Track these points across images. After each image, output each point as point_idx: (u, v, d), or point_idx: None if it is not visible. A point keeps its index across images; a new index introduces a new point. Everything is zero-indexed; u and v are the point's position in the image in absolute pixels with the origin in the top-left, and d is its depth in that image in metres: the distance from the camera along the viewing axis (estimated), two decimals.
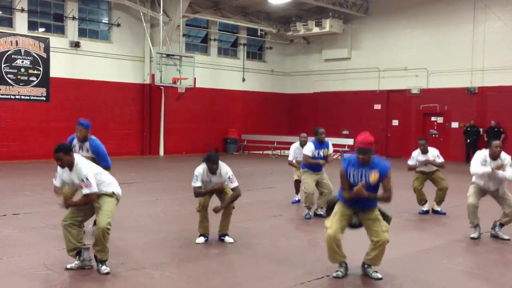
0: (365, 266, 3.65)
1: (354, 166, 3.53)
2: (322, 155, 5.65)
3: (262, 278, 3.62)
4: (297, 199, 6.79)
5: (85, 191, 3.56)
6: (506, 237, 4.84)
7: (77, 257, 3.70)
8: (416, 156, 6.11)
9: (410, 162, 6.15)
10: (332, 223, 3.57)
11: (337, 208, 3.62)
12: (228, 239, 4.57)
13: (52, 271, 3.66)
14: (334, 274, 3.60)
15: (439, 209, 6.20)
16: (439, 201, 6.19)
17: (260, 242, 4.63)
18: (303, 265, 3.91)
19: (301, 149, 6.18)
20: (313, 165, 5.65)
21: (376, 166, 3.50)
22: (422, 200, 6.20)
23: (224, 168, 4.42)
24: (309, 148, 5.65)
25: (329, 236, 3.53)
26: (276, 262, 4.00)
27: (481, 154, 4.79)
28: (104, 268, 3.63)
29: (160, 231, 5.02)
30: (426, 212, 6.17)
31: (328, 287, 3.47)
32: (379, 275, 3.59)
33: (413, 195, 6.33)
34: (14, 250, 4.21)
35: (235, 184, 4.42)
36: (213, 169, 4.36)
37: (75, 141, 4.80)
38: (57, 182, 3.77)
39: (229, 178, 4.40)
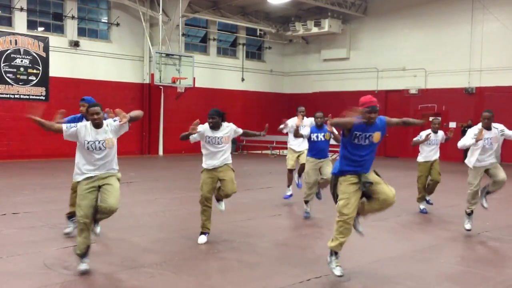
0: (357, 215, 3.58)
1: (359, 129, 3.43)
2: (322, 139, 5.58)
3: (261, 277, 3.63)
4: (289, 193, 6.72)
5: (127, 116, 3.64)
6: (486, 205, 4.97)
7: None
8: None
9: (419, 138, 6.02)
10: (348, 208, 3.40)
11: (344, 187, 3.45)
12: (221, 204, 4.59)
13: (51, 270, 3.66)
14: (338, 273, 3.47)
15: (427, 198, 6.22)
16: (429, 192, 6.18)
17: (259, 241, 4.64)
18: (302, 264, 3.92)
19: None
20: (313, 149, 5.61)
21: (377, 125, 3.51)
22: (423, 198, 6.16)
23: (228, 125, 4.47)
24: (306, 130, 5.66)
25: (348, 220, 3.39)
26: (275, 261, 4.01)
27: (474, 128, 4.88)
28: (96, 227, 3.70)
29: (159, 231, 5.01)
30: (424, 212, 6.14)
31: (327, 286, 3.48)
32: (362, 230, 3.64)
33: (412, 194, 6.34)
34: (14, 249, 4.20)
35: (240, 130, 4.53)
36: (212, 124, 4.36)
37: (84, 120, 4.42)
38: (65, 125, 3.55)
39: (235, 130, 4.47)
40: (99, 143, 3.60)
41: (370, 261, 4.00)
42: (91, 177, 3.61)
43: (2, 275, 3.57)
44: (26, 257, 3.99)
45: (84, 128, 3.61)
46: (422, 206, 6.17)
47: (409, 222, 5.76)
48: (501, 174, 4.86)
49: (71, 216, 4.55)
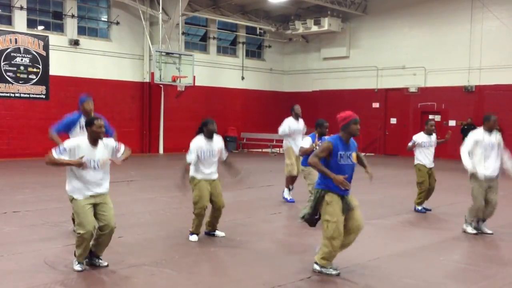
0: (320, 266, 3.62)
1: (342, 148, 3.49)
2: None
3: (261, 275, 3.63)
4: (289, 197, 6.47)
5: (123, 148, 3.63)
6: (489, 231, 4.92)
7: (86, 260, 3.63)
8: (418, 139, 5.90)
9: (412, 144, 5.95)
10: (336, 212, 3.43)
11: (332, 209, 3.46)
12: (219, 233, 4.60)
13: (52, 268, 3.66)
14: (336, 273, 3.53)
15: (424, 205, 6.14)
16: (427, 199, 6.14)
17: (259, 240, 4.64)
18: (302, 262, 3.92)
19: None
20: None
21: (353, 146, 3.59)
22: (422, 202, 6.07)
23: (218, 138, 4.49)
24: (308, 141, 5.39)
25: (339, 222, 3.41)
26: (275, 259, 4.02)
27: (476, 134, 4.78)
28: (103, 261, 3.68)
29: (160, 229, 5.01)
30: (423, 211, 6.10)
31: (327, 283, 3.49)
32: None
33: (411, 193, 6.31)
34: (15, 247, 4.20)
35: (225, 154, 4.54)
36: (214, 129, 4.37)
37: (82, 120, 4.36)
38: (56, 154, 3.40)
39: (223, 149, 4.49)
40: (94, 162, 3.49)
41: (370, 258, 4.01)
42: (89, 196, 3.51)
43: (3, 273, 3.58)
44: (27, 255, 3.99)
45: (81, 143, 3.47)
46: (419, 207, 6.07)
47: (409, 220, 5.76)
48: (495, 197, 4.79)
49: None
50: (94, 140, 3.52)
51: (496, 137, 4.86)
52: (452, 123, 14.33)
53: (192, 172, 4.48)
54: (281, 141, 15.23)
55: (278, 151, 15.43)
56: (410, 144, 6.02)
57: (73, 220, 4.58)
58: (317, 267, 3.61)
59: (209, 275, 3.69)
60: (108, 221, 3.56)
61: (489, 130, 4.83)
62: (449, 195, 7.10)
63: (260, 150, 16.14)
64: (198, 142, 4.40)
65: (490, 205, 4.87)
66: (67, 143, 3.50)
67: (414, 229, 5.37)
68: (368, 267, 3.81)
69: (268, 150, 15.78)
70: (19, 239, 4.48)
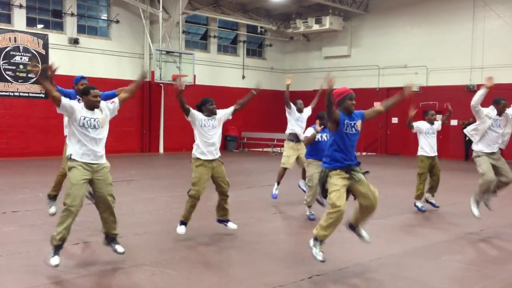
0: (355, 227, 3.76)
1: (346, 118, 3.61)
2: (326, 139, 5.36)
3: (262, 275, 3.61)
4: (277, 192, 6.44)
5: (116, 100, 3.72)
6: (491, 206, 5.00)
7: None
8: (421, 126, 5.96)
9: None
10: (341, 200, 3.49)
11: (335, 180, 3.55)
12: (231, 225, 4.59)
13: (52, 269, 3.61)
14: (321, 258, 3.53)
15: (433, 201, 6.11)
16: (433, 192, 6.08)
17: (260, 239, 4.62)
18: (303, 261, 3.89)
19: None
20: (317, 149, 5.42)
21: (357, 116, 3.69)
22: (421, 195, 6.06)
23: (219, 111, 4.51)
24: (310, 130, 5.45)
25: (342, 212, 3.47)
26: (276, 259, 3.99)
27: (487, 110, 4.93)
28: (119, 247, 3.72)
29: (160, 228, 4.98)
30: (423, 210, 6.00)
31: (329, 283, 3.47)
32: (367, 237, 3.76)
33: (412, 193, 6.24)
34: (14, 247, 4.18)
35: (230, 108, 4.55)
36: (213, 108, 4.40)
37: (78, 97, 4.43)
38: (64, 99, 3.47)
39: (225, 113, 4.51)
40: (94, 120, 3.56)
41: (371, 258, 3.99)
42: (87, 164, 3.52)
43: (2, 273, 3.55)
44: (27, 255, 3.97)
45: (79, 108, 3.57)
46: (420, 204, 6.02)
47: (411, 220, 5.73)
48: (506, 166, 4.86)
49: (53, 196, 4.70)
50: (90, 108, 3.60)
51: (506, 115, 4.95)
52: (453, 122, 14.27)
53: (194, 151, 4.46)
54: (282, 140, 15.26)
55: (279, 151, 15.39)
56: (412, 124, 6.01)
57: (53, 195, 4.72)
58: (311, 242, 3.62)
59: (209, 275, 3.65)
60: (104, 191, 3.60)
61: (499, 113, 4.94)
62: (451, 195, 7.06)
63: (261, 149, 16.08)
64: (198, 112, 4.44)
65: (503, 172, 4.88)
66: (75, 103, 3.58)
67: (415, 229, 5.34)
68: (369, 267, 3.79)
69: (269, 149, 15.73)
70: (19, 239, 4.46)
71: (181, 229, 4.45)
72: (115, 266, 3.69)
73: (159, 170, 10.51)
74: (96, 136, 3.57)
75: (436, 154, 6.05)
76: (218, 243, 4.43)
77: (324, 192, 3.68)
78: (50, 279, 3.42)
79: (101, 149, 3.62)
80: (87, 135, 3.53)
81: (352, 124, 3.63)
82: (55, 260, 3.50)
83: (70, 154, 3.56)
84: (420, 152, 6.04)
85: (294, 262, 3.90)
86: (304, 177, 6.47)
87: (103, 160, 3.66)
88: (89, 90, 3.56)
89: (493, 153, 4.98)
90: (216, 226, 4.71)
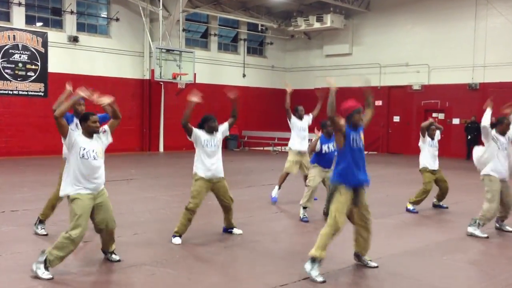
0: (360, 256, 3.73)
1: (352, 132, 3.59)
2: (333, 149, 5.25)
3: (263, 275, 3.58)
4: (275, 196, 6.39)
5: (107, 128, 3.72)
6: (510, 229, 4.89)
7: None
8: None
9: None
10: (342, 218, 3.48)
11: (342, 197, 3.51)
12: (236, 230, 4.62)
13: (51, 268, 3.55)
14: (321, 279, 3.43)
15: (442, 204, 6.22)
16: (441, 198, 6.19)
17: (261, 239, 4.59)
18: (304, 261, 3.82)
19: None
20: (323, 160, 5.36)
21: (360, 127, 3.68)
22: (420, 202, 6.04)
23: (220, 127, 4.49)
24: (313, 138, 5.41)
25: (338, 230, 3.48)
26: (277, 259, 3.96)
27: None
28: (115, 256, 3.73)
29: (160, 228, 4.96)
30: (415, 212, 5.96)
31: (329, 283, 3.43)
32: (375, 264, 3.70)
33: (414, 192, 6.22)
34: (13, 246, 4.16)
35: (225, 124, 4.52)
36: (216, 126, 4.40)
37: (75, 120, 4.49)
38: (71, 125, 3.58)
39: (224, 129, 4.49)
40: (93, 151, 3.55)
41: (373, 258, 3.97)
42: (90, 193, 3.51)
43: (1, 273, 3.53)
44: (26, 254, 3.94)
45: (78, 135, 3.56)
46: (412, 207, 5.97)
47: (412, 219, 5.71)
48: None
49: (43, 221, 4.59)
50: (89, 134, 3.59)
51: (507, 138, 4.84)
52: (456, 121, 14.20)
53: (195, 169, 4.43)
54: (282, 139, 15.24)
55: (279, 150, 15.33)
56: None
57: (40, 221, 4.60)
58: (307, 266, 3.48)
59: (210, 275, 3.62)
60: (105, 223, 3.61)
61: (502, 133, 4.82)
62: (452, 194, 6.99)
63: (261, 148, 16.02)
64: (200, 132, 4.42)
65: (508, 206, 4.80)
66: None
67: (417, 228, 5.31)
68: (370, 267, 3.76)
69: (270, 148, 15.66)
70: (18, 239, 4.44)
71: (176, 240, 4.34)
72: (114, 265, 3.67)
73: (159, 169, 10.47)
74: (95, 165, 3.56)
75: (437, 168, 6.02)
76: (219, 243, 4.40)
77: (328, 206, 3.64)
78: (49, 278, 3.38)
79: (101, 176, 3.61)
80: (87, 165, 3.52)
81: (358, 138, 3.58)
82: (48, 275, 3.40)
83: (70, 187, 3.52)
84: (421, 166, 6.03)
85: (295, 261, 3.86)
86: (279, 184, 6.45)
87: (102, 186, 3.65)
88: (88, 116, 3.55)
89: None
90: (216, 225, 4.67)
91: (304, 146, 6.30)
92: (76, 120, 4.47)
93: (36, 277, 3.37)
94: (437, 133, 6.08)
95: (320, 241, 3.49)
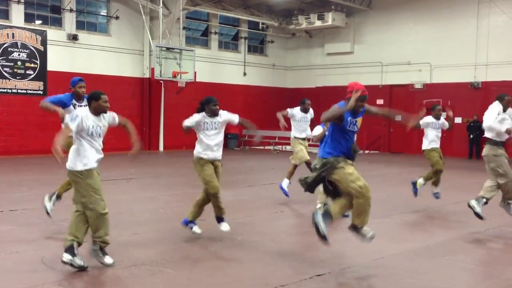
0: (359, 228, 3.64)
1: (351, 115, 3.62)
2: None
3: (263, 275, 3.55)
4: (286, 188, 6.35)
5: (117, 121, 3.75)
6: None
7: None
8: (429, 121, 6.03)
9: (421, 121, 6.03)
10: (354, 171, 3.53)
11: (348, 168, 3.56)
12: (224, 226, 4.38)
13: (50, 268, 3.58)
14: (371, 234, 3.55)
15: (436, 191, 6.14)
16: (436, 183, 6.11)
17: (261, 239, 4.56)
18: (305, 261, 3.84)
19: None
20: None
21: (360, 112, 3.69)
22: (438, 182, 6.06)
23: (223, 112, 4.40)
24: (319, 129, 5.34)
25: (366, 188, 3.52)
26: (277, 259, 3.92)
27: (496, 106, 4.77)
28: (108, 258, 3.62)
29: (160, 228, 4.92)
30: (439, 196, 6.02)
31: (331, 283, 3.42)
32: (372, 232, 3.66)
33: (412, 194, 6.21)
34: (12, 246, 4.12)
35: (236, 117, 4.41)
36: (216, 109, 4.29)
37: (75, 101, 4.50)
38: (73, 125, 3.46)
39: (229, 117, 4.39)
40: (99, 128, 3.59)
41: (374, 258, 3.94)
42: (96, 166, 3.59)
43: (1, 273, 3.50)
44: (24, 254, 3.91)
45: (86, 116, 3.55)
46: (436, 190, 6.07)
47: (414, 219, 5.66)
48: None
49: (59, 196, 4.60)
50: (97, 113, 3.60)
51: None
52: (458, 120, 14.11)
53: (197, 151, 4.37)
54: (284, 138, 15.15)
55: (280, 149, 15.25)
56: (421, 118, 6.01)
57: (57, 196, 4.61)
58: (366, 233, 3.59)
59: (210, 275, 3.58)
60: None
61: (504, 108, 4.81)
62: (454, 193, 6.96)
63: (262, 147, 15.95)
64: (200, 116, 4.34)
65: None
66: (79, 111, 3.59)
67: (418, 228, 5.28)
68: (372, 267, 3.75)
69: (271, 147, 15.59)
70: (16, 238, 4.40)
71: (196, 228, 4.39)
72: (113, 266, 3.62)
73: (159, 169, 10.43)
74: (99, 146, 3.62)
75: (438, 146, 6.12)
76: (219, 243, 4.35)
77: (318, 182, 3.69)
78: (48, 279, 3.37)
79: (100, 156, 3.65)
80: (93, 144, 3.55)
81: (354, 122, 3.64)
82: (80, 261, 3.47)
83: (85, 164, 3.54)
84: (424, 147, 6.07)
85: (296, 261, 3.82)
86: (289, 176, 6.48)
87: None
88: (99, 95, 3.57)
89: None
90: (216, 225, 4.59)
91: (305, 134, 6.46)
92: (74, 101, 4.48)
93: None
94: (443, 120, 6.08)
95: (356, 210, 3.55)
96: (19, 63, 11.88)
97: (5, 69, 11.72)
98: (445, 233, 4.93)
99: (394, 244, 4.52)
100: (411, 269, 3.76)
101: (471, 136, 13.49)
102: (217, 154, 4.36)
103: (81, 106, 4.53)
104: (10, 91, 11.84)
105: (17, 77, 11.92)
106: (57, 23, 12.75)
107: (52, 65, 12.39)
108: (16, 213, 5.47)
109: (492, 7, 13.14)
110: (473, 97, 13.77)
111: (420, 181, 6.10)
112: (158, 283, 3.34)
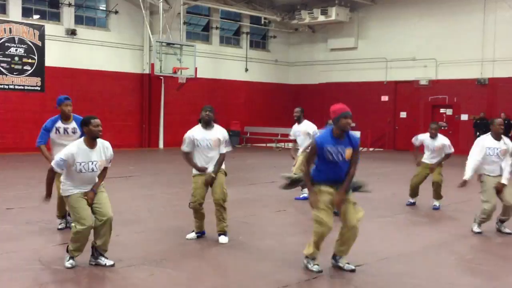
0: (337, 257, 3.52)
1: (330, 143, 3.35)
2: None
3: (265, 275, 3.49)
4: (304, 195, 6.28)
5: (109, 165, 3.56)
6: (508, 231, 4.74)
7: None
8: (423, 139, 6.07)
9: (415, 141, 6.13)
10: (326, 217, 3.35)
11: (320, 193, 3.37)
12: (222, 239, 4.20)
13: (47, 267, 3.53)
14: (316, 269, 3.41)
15: (437, 204, 6.00)
16: (436, 197, 6.01)
17: (263, 238, 4.51)
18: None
19: None
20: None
21: (349, 140, 3.40)
22: (415, 195, 6.10)
23: (221, 128, 4.19)
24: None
25: (328, 228, 3.35)
26: (279, 259, 3.86)
27: (482, 141, 4.63)
28: (109, 260, 3.51)
29: (159, 226, 4.85)
30: (413, 204, 6.09)
31: (334, 283, 3.37)
32: (352, 266, 3.49)
33: (421, 190, 6.12)
34: (9, 245, 4.06)
35: (227, 149, 4.19)
36: (205, 115, 4.07)
37: (60, 123, 4.34)
38: (59, 170, 3.34)
39: (225, 141, 4.17)
40: (92, 163, 3.40)
41: (378, 258, 3.90)
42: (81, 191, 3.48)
43: None
44: (21, 254, 3.85)
45: (77, 149, 3.36)
46: (412, 200, 6.09)
47: (418, 218, 5.58)
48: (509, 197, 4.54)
49: (62, 216, 4.52)
50: (91, 140, 3.41)
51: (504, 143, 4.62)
52: (464, 117, 13.89)
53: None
54: (286, 135, 14.93)
55: (283, 146, 15.06)
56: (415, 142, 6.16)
57: (60, 216, 4.54)
58: (304, 261, 3.50)
59: (210, 275, 3.54)
60: (104, 212, 3.45)
61: (496, 137, 4.61)
62: (459, 192, 6.74)
63: (264, 144, 15.78)
64: (192, 131, 4.17)
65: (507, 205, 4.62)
66: (64, 152, 3.37)
67: (422, 227, 5.23)
68: (376, 267, 3.70)
69: (273, 144, 15.43)
70: (13, 237, 4.35)
71: (190, 235, 4.31)
72: (114, 266, 3.54)
73: (158, 166, 10.32)
74: (92, 178, 3.48)
75: (433, 161, 6.03)
76: (219, 243, 4.25)
77: (297, 183, 3.71)
78: (45, 278, 3.33)
79: (96, 179, 3.53)
80: (82, 177, 3.41)
81: (338, 151, 3.30)
82: (69, 263, 3.43)
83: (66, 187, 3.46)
84: (424, 159, 6.07)
85: (297, 261, 3.72)
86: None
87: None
88: (89, 120, 3.38)
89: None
90: (212, 226, 4.41)
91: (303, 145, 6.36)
92: (59, 124, 4.32)
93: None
94: (439, 138, 5.95)
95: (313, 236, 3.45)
96: (16, 58, 11.68)
97: (2, 64, 11.54)
98: (450, 232, 4.85)
99: (398, 243, 4.45)
100: (415, 269, 3.70)
101: (478, 133, 13.24)
102: (211, 166, 4.17)
103: (67, 128, 4.37)
104: (7, 87, 11.67)
105: (14, 73, 11.73)
106: (55, 17, 12.58)
107: (50, 61, 12.21)
108: (13, 212, 5.36)
109: (499, 2, 12.93)
110: (479, 93, 13.54)
111: (435, 202, 6.01)
112: (158, 283, 3.29)
